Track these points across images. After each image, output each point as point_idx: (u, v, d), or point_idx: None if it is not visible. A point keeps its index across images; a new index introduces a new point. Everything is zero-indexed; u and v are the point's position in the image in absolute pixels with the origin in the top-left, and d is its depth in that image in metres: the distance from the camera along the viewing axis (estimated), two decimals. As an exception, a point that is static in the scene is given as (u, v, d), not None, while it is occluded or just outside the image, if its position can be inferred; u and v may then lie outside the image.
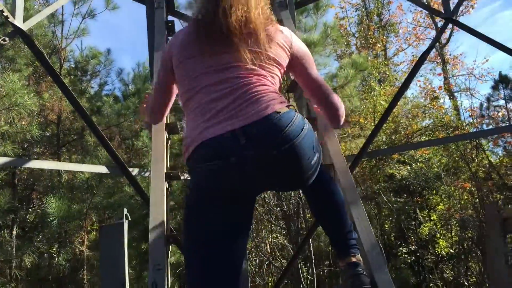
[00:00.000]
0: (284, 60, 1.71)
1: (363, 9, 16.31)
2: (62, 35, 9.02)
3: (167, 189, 2.40)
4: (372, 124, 9.64)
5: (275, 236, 8.97)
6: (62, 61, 8.90)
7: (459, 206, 9.09)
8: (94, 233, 8.66)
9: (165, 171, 2.38)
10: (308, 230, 5.42)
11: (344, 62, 7.69)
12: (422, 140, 9.80)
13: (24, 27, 3.59)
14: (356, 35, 16.00)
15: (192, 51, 1.64)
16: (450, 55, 16.17)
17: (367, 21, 15.85)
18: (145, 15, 3.99)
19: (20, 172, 8.52)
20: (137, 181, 4.00)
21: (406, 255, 8.27)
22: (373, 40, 15.04)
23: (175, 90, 1.85)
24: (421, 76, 14.90)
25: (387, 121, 9.01)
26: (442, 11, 4.72)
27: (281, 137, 1.46)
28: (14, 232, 7.63)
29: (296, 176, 1.57)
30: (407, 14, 23.97)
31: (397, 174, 9.03)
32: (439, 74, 15.26)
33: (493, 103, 9.69)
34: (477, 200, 9.03)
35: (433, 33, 15.98)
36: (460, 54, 16.07)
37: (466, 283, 8.23)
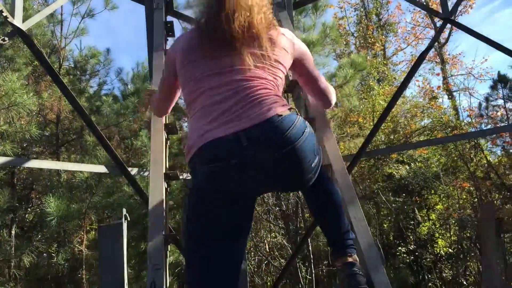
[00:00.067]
0: (287, 63, 1.76)
1: (362, 9, 16.34)
2: (61, 34, 9.02)
3: (166, 189, 2.41)
4: (371, 123, 9.65)
5: (273, 235, 8.97)
6: (61, 60, 8.89)
7: (457, 205, 9.11)
8: (93, 232, 8.66)
9: (164, 171, 2.39)
10: (307, 230, 5.43)
11: (343, 61, 7.69)
12: (421, 139, 9.81)
13: (24, 27, 3.59)
14: (355, 35, 16.03)
15: (195, 54, 1.67)
16: (449, 54, 16.22)
17: (366, 20, 15.87)
18: (144, 15, 4.01)
19: (19, 172, 8.52)
20: (136, 180, 4.01)
21: (404, 255, 8.29)
22: (372, 39, 15.06)
23: (178, 90, 1.93)
24: (419, 76, 14.94)
25: (386, 121, 9.02)
26: (440, 11, 4.73)
27: (282, 139, 1.48)
28: (13, 232, 7.63)
29: (296, 178, 1.59)
30: (406, 14, 24.06)
31: (395, 173, 9.04)
32: (438, 74, 15.28)
33: (492, 103, 9.70)
34: (476, 199, 9.05)
35: (432, 32, 16.01)
36: (459, 54, 16.05)
37: (464, 283, 8.25)
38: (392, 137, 9.99)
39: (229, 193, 1.56)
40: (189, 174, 5.71)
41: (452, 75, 15.45)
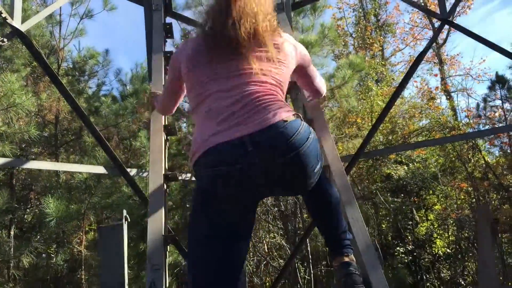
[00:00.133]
0: (291, 68, 1.81)
1: (360, 10, 16.35)
2: (60, 35, 9.01)
3: (165, 190, 2.42)
4: (369, 124, 9.66)
5: (272, 236, 8.99)
6: (60, 61, 8.88)
7: (455, 206, 9.14)
8: (92, 233, 8.66)
9: (163, 172, 2.40)
10: (306, 230, 5.45)
11: (342, 62, 7.69)
12: (419, 140, 9.84)
13: (23, 28, 3.60)
14: (353, 36, 16.03)
15: (201, 59, 1.70)
16: (447, 55, 16.25)
17: (364, 21, 15.88)
18: (143, 16, 4.02)
19: (18, 172, 8.51)
20: (135, 181, 4.02)
21: (403, 255, 8.31)
22: (371, 40, 15.07)
23: (183, 93, 2.00)
24: (417, 76, 14.97)
25: (384, 122, 9.04)
26: (438, 12, 4.75)
27: (287, 145, 1.50)
28: (12, 232, 7.63)
29: (299, 183, 1.63)
30: (404, 15, 24.08)
31: (394, 174, 9.06)
32: (436, 75, 15.31)
33: (490, 103, 9.72)
34: (474, 200, 9.07)
35: (430, 33, 16.03)
36: (457, 54, 16.14)
37: (462, 283, 8.27)
38: (390, 137, 10.00)
39: (232, 196, 1.58)
40: (187, 175, 5.72)
41: (450, 76, 15.49)
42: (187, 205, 7.91)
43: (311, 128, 1.63)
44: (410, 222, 8.88)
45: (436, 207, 9.20)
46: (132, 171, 5.19)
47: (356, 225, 2.08)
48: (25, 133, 6.69)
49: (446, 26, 10.34)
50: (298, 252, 6.85)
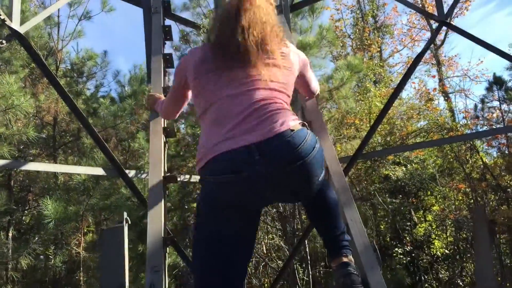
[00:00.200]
0: (296, 76, 1.86)
1: (358, 11, 16.37)
2: (58, 37, 9.01)
3: (165, 192, 2.43)
4: (368, 125, 9.67)
5: (271, 237, 8.99)
6: (58, 63, 8.89)
7: (453, 207, 9.15)
8: (91, 235, 8.65)
9: (162, 174, 2.41)
10: (304, 231, 5.45)
11: (340, 63, 7.71)
12: (417, 141, 9.85)
13: (21, 30, 3.60)
14: (351, 37, 16.05)
15: (209, 66, 1.71)
16: (445, 56, 16.28)
17: (362, 22, 15.90)
18: (142, 17, 4.02)
19: (16, 174, 8.50)
20: (133, 183, 4.03)
21: (401, 256, 8.31)
22: (369, 41, 15.08)
23: (187, 99, 2.04)
24: (415, 77, 14.99)
25: (382, 123, 9.05)
26: (436, 14, 4.76)
27: (294, 154, 1.52)
28: (10, 234, 7.61)
29: (304, 192, 1.67)
30: (402, 16, 24.10)
31: (392, 175, 9.07)
32: (434, 76, 15.34)
33: (488, 104, 9.73)
34: (472, 201, 9.09)
35: (428, 34, 16.06)
36: (455, 56, 16.16)
37: (461, 284, 8.28)
38: (388, 138, 10.01)
39: (238, 203, 1.60)
40: (186, 176, 5.72)
41: (448, 77, 15.51)
42: (186, 207, 7.91)
43: (316, 137, 1.66)
44: (408, 223, 8.89)
45: (434, 208, 9.22)
46: (131, 173, 5.17)
47: (354, 226, 2.09)
48: (23, 135, 6.68)
49: (444, 28, 10.38)
50: (297, 253, 6.85)
